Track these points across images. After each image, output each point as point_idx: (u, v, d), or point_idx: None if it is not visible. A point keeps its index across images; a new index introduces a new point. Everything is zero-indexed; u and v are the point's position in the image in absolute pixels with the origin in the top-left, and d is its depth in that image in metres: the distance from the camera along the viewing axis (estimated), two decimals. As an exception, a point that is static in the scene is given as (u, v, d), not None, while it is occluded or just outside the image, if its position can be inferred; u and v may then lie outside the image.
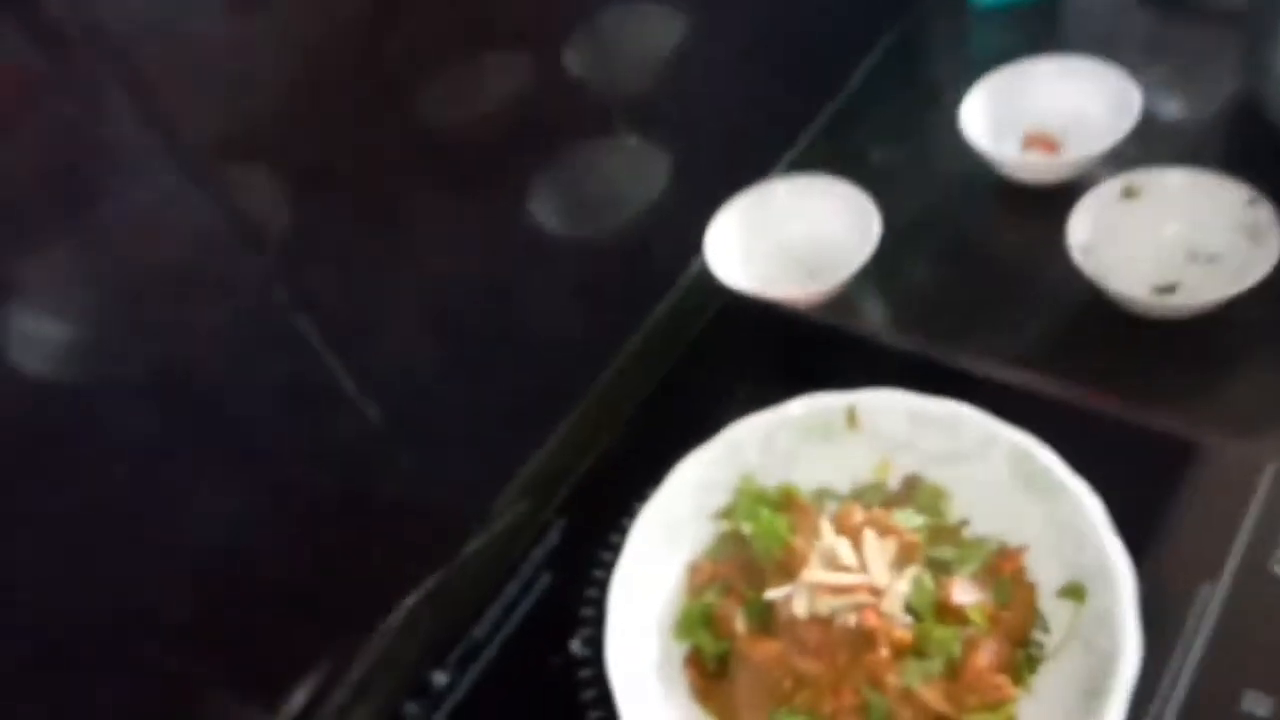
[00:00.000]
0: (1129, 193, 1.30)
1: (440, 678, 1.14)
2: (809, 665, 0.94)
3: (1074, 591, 0.95)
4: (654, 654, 1.01)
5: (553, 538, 1.22)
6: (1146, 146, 1.36)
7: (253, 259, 0.91)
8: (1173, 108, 1.49)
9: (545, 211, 1.27)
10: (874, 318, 1.38)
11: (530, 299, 1.29)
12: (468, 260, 1.20)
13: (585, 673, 1.09)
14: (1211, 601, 1.02)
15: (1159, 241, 1.28)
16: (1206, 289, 1.20)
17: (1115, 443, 1.07)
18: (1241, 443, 1.10)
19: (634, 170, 1.43)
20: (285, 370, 1.05)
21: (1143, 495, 1.00)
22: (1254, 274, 1.12)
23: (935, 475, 1.06)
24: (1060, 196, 1.29)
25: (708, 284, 1.40)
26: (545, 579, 1.19)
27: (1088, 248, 1.26)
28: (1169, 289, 1.23)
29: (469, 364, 1.26)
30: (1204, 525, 1.06)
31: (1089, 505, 0.96)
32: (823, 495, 1.09)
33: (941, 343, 1.25)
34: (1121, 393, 1.15)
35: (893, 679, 0.92)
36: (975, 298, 1.38)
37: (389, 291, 1.07)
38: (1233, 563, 1.03)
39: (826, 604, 0.95)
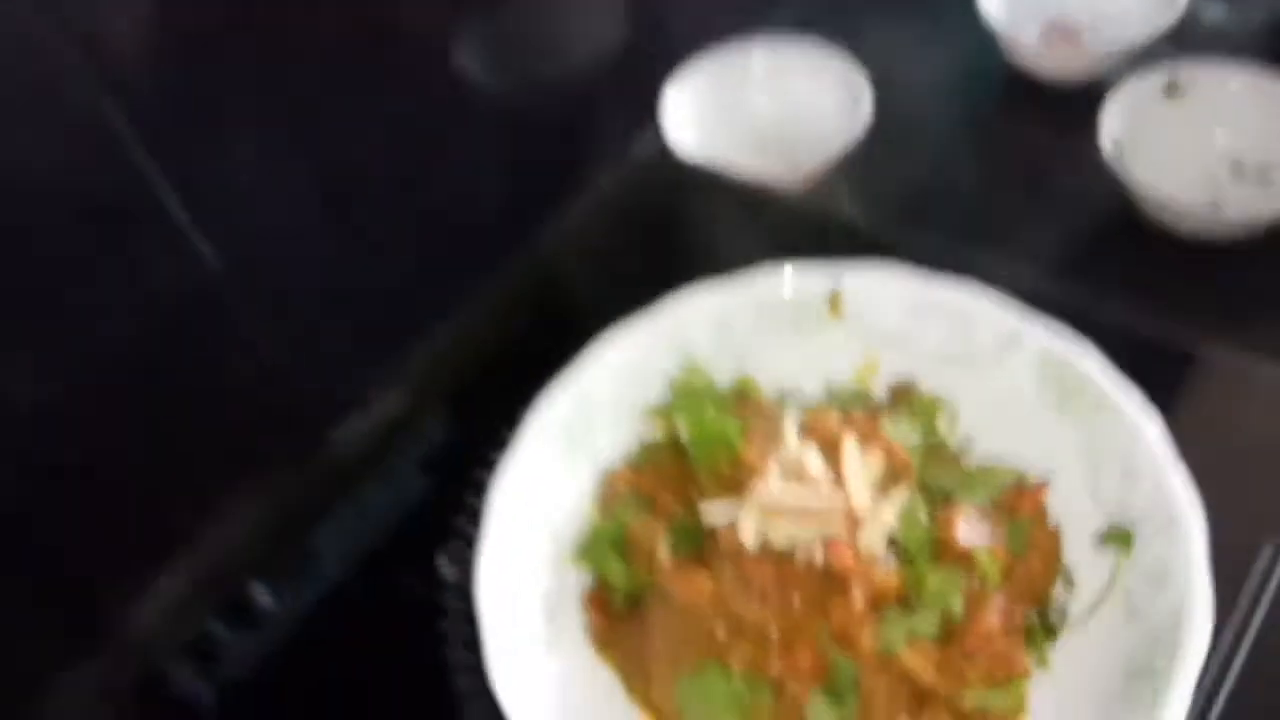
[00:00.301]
0: (1172, 90, 1.11)
1: (262, 595, 0.87)
2: (754, 611, 0.68)
3: (1117, 538, 0.71)
4: (543, 584, 0.75)
5: (433, 435, 0.96)
6: (1183, 49, 1.15)
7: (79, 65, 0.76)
8: (1217, 9, 1.28)
9: (469, 52, 1.04)
10: (859, 213, 1.13)
11: (442, 153, 1.05)
12: (363, 97, 0.95)
13: (452, 601, 0.83)
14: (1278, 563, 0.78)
15: (1203, 149, 1.14)
16: (1255, 207, 0.99)
17: (1157, 368, 0.82)
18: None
19: (579, 12, 1.17)
20: (100, 189, 0.81)
21: (1188, 432, 0.75)
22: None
23: (935, 383, 0.81)
24: (1082, 96, 1.16)
25: (661, 156, 1.16)
26: (418, 484, 0.93)
27: (1119, 147, 1.04)
28: (1210, 205, 1.01)
29: (352, 219, 1.00)
30: (1268, 472, 0.83)
31: (1146, 428, 0.72)
32: (787, 401, 0.84)
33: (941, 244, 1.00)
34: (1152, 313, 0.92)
35: (867, 637, 0.67)
36: (982, 199, 1.15)
37: (250, 120, 0.90)
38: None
39: (784, 531, 0.69)
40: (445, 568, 0.87)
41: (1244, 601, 0.77)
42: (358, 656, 0.84)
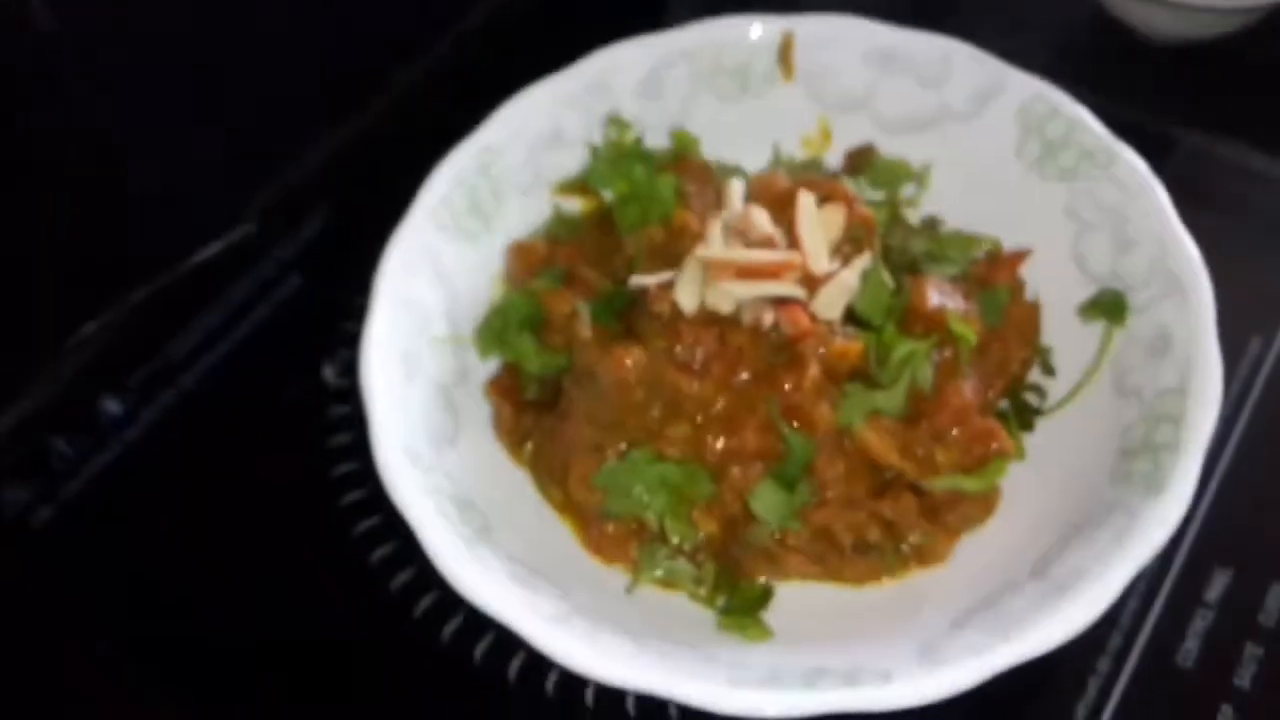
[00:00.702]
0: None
1: (111, 406, 0.73)
2: (692, 384, 0.57)
3: (1107, 307, 0.61)
4: (444, 374, 0.63)
5: (310, 227, 0.82)
6: None
7: None
8: None
9: None
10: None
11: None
12: None
13: (340, 409, 0.71)
14: (1265, 360, 0.70)
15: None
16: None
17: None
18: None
19: None
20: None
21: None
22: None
23: (899, 147, 0.70)
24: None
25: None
26: (293, 281, 0.80)
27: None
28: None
29: None
30: (1251, 264, 0.75)
31: (1146, 184, 0.62)
32: (725, 173, 0.72)
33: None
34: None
35: (823, 413, 0.56)
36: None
37: None
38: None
39: (729, 293, 0.58)
40: (332, 375, 0.75)
41: (1231, 397, 0.70)
42: (224, 475, 0.71)
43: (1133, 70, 0.97)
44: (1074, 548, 0.53)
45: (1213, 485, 0.66)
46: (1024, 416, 0.63)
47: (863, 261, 0.60)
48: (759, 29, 0.72)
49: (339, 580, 0.67)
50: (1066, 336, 0.63)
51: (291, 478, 0.71)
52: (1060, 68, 0.95)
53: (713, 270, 0.59)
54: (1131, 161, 0.63)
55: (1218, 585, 0.62)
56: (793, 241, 0.60)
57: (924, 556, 0.58)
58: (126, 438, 0.74)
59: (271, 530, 0.69)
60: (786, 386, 0.56)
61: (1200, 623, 0.61)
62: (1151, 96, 0.92)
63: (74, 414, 0.75)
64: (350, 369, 0.66)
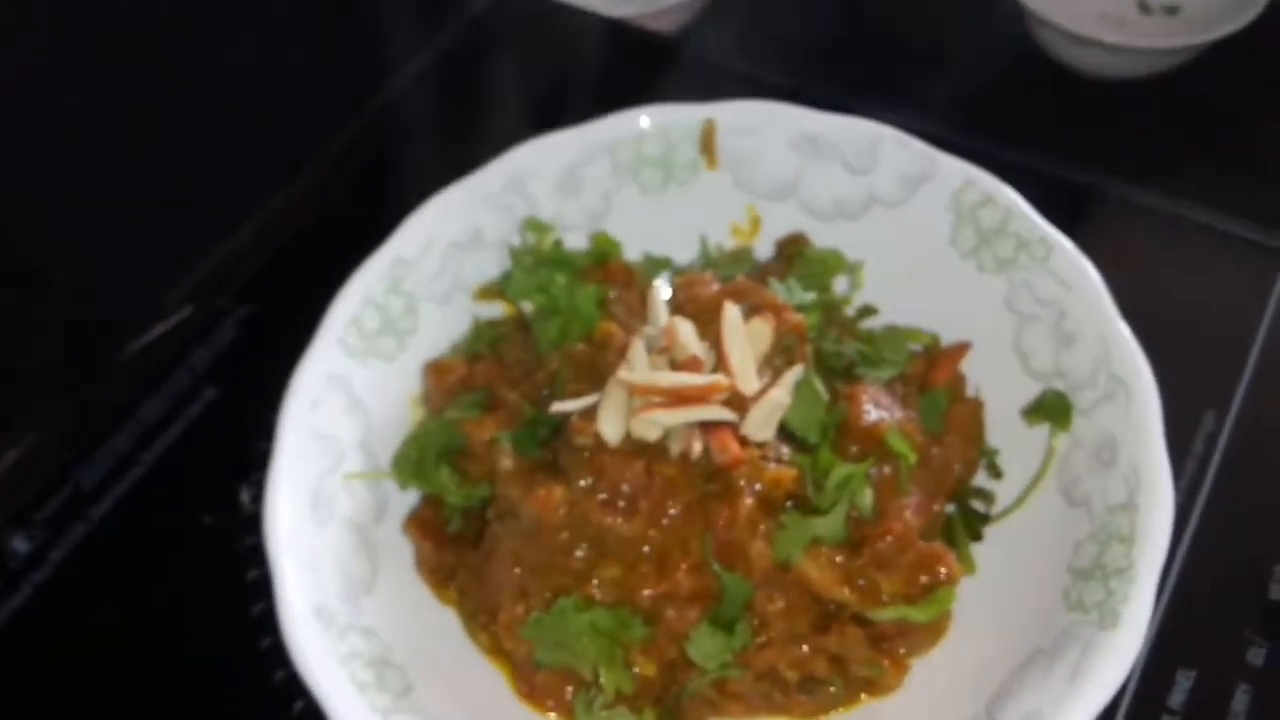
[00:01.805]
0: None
1: (19, 544, 0.70)
2: (619, 524, 0.54)
3: (1051, 409, 0.59)
4: (360, 513, 0.59)
5: (224, 334, 0.78)
6: None
7: None
8: None
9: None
10: (736, 55, 0.97)
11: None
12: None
13: (255, 539, 0.67)
14: (1220, 434, 0.68)
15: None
16: (1163, 39, 0.88)
17: (1071, 214, 0.70)
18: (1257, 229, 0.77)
19: None
20: None
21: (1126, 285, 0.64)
22: (1220, 29, 0.88)
23: (830, 235, 0.67)
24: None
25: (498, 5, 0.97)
26: (208, 394, 0.76)
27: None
28: (1115, 40, 0.90)
29: (136, 77, 0.79)
30: (1204, 333, 0.73)
31: (1083, 274, 0.59)
32: (653, 267, 0.69)
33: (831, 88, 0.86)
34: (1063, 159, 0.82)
35: (759, 548, 0.53)
36: (879, 42, 1.00)
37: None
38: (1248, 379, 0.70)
39: (655, 421, 0.55)
40: (246, 500, 0.71)
41: (1185, 478, 0.67)
42: (138, 617, 0.67)
43: (1066, 111, 0.96)
44: (1030, 682, 0.51)
45: (1171, 578, 0.63)
46: (972, 525, 0.60)
47: (794, 374, 0.57)
48: (679, 115, 0.69)
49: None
50: (1012, 436, 0.61)
51: (206, 619, 0.67)
52: (995, 109, 0.95)
53: (637, 396, 0.55)
54: (1067, 252, 0.60)
55: (1181, 689, 0.60)
56: (720, 358, 0.57)
57: (874, 688, 0.55)
58: (34, 579, 0.70)
59: (189, 678, 0.65)
60: (720, 521, 0.53)
61: (1165, 732, 0.59)
62: (1086, 141, 0.91)
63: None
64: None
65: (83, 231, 0.80)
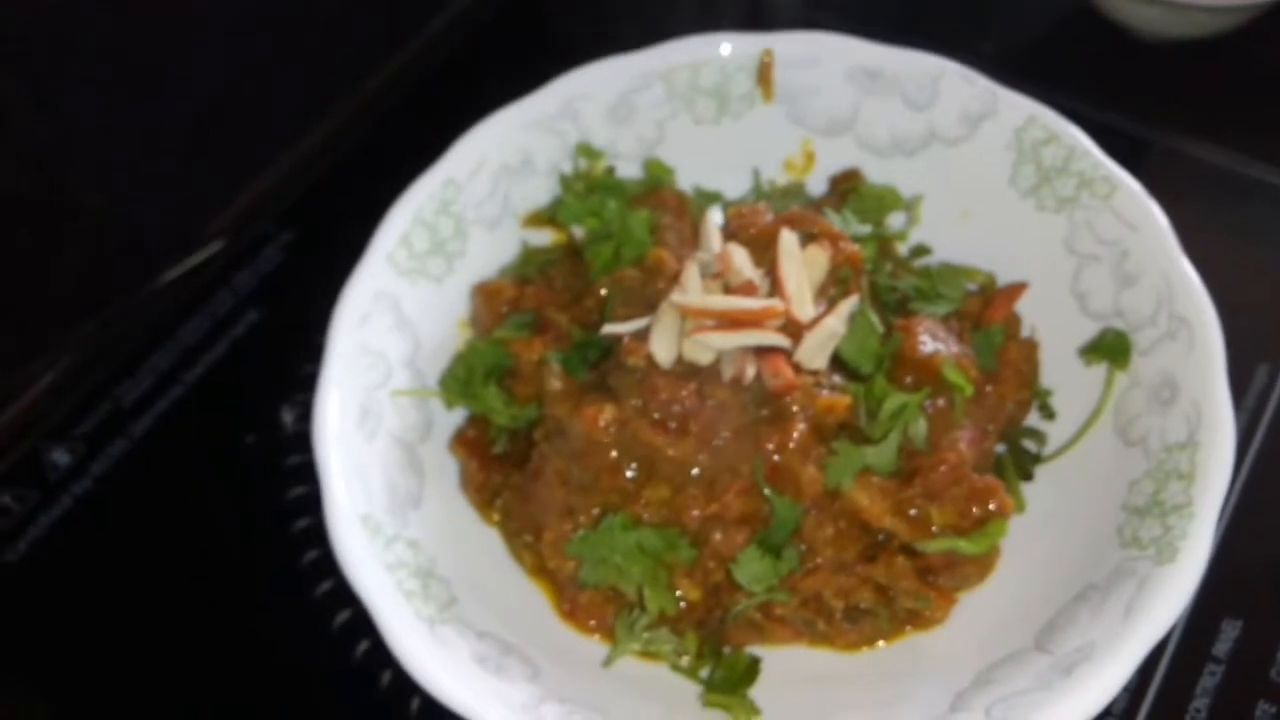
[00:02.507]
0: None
1: (59, 456, 0.70)
2: (669, 445, 0.54)
3: (1110, 348, 0.58)
4: (407, 430, 0.59)
5: (269, 258, 0.78)
6: None
7: None
8: None
9: None
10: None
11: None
12: None
13: (299, 457, 0.67)
14: (1274, 388, 0.67)
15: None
16: None
17: (1134, 168, 0.69)
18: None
19: None
20: None
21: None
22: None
23: (886, 172, 0.66)
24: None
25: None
26: (250, 317, 0.76)
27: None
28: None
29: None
30: (1259, 287, 0.72)
31: (1148, 214, 0.58)
32: (705, 200, 0.68)
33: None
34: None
35: (811, 473, 0.53)
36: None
37: None
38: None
39: (707, 344, 0.54)
40: (291, 420, 0.71)
41: (1237, 431, 0.66)
42: (177, 532, 0.68)
43: (1121, 69, 0.94)
44: (1081, 618, 0.50)
45: (1219, 530, 0.62)
46: (1023, 464, 0.59)
47: (849, 304, 0.56)
48: (736, 47, 0.68)
49: (300, 649, 0.63)
50: (1067, 378, 0.60)
51: (248, 535, 0.67)
52: (1048, 64, 0.93)
53: (690, 319, 0.55)
54: (1133, 190, 0.59)
55: (1227, 638, 0.59)
56: (775, 284, 0.57)
57: (920, 620, 0.55)
58: (75, 491, 0.71)
59: (229, 594, 0.66)
60: (770, 446, 0.53)
61: (1209, 679, 0.58)
62: (1141, 97, 0.89)
63: (18, 467, 0.71)
64: (309, 414, 0.62)
65: (120, 152, 0.80)
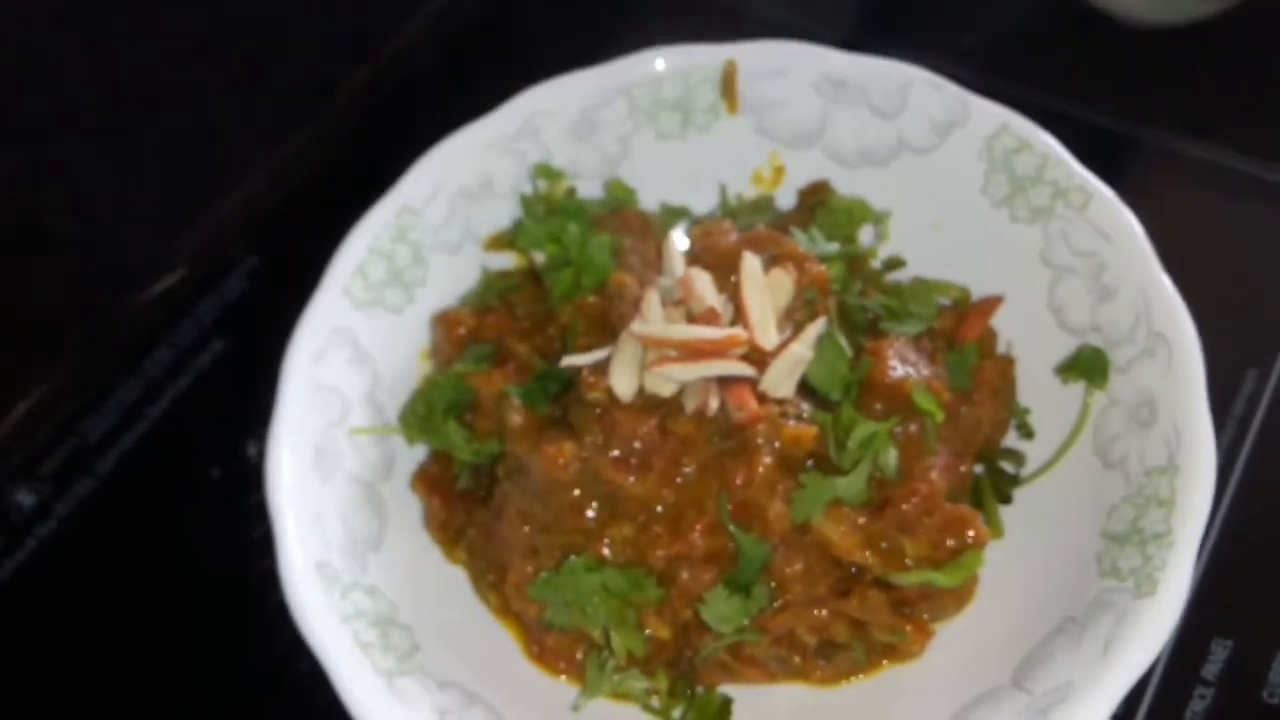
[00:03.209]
0: None
1: (24, 498, 0.68)
2: (631, 482, 0.52)
3: (1087, 366, 0.56)
4: (366, 469, 0.58)
5: (234, 285, 0.76)
6: None
7: None
8: None
9: None
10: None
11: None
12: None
13: (262, 495, 0.65)
14: (1263, 395, 0.65)
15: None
16: None
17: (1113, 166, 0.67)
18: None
19: None
20: None
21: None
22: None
23: (856, 184, 0.64)
24: None
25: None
26: (216, 346, 0.74)
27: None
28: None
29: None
30: (1246, 289, 0.70)
31: (1123, 225, 0.56)
32: (671, 217, 0.66)
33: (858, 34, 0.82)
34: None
35: (778, 508, 0.51)
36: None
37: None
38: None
39: (669, 376, 0.53)
40: (254, 453, 0.69)
41: (1225, 440, 0.64)
42: (144, 572, 0.66)
43: (1105, 57, 0.91)
44: (1059, 652, 0.48)
45: (1208, 544, 0.61)
46: (1001, 487, 0.57)
47: (816, 328, 0.54)
48: (698, 59, 0.66)
49: (266, 693, 0.62)
50: (1046, 395, 0.58)
51: (214, 578, 0.66)
52: (1030, 55, 0.91)
53: (651, 349, 0.53)
54: (1108, 200, 0.57)
55: (1217, 659, 0.57)
56: (738, 310, 0.55)
57: (897, 653, 0.53)
58: (40, 533, 0.69)
59: (195, 642, 0.64)
60: (737, 481, 0.51)
61: (1199, 703, 0.57)
62: (1125, 87, 0.87)
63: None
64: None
65: (84, 180, 0.78)
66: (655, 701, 0.54)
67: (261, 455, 0.67)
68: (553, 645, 0.54)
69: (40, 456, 0.71)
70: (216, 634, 0.64)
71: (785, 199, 0.67)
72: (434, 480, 0.58)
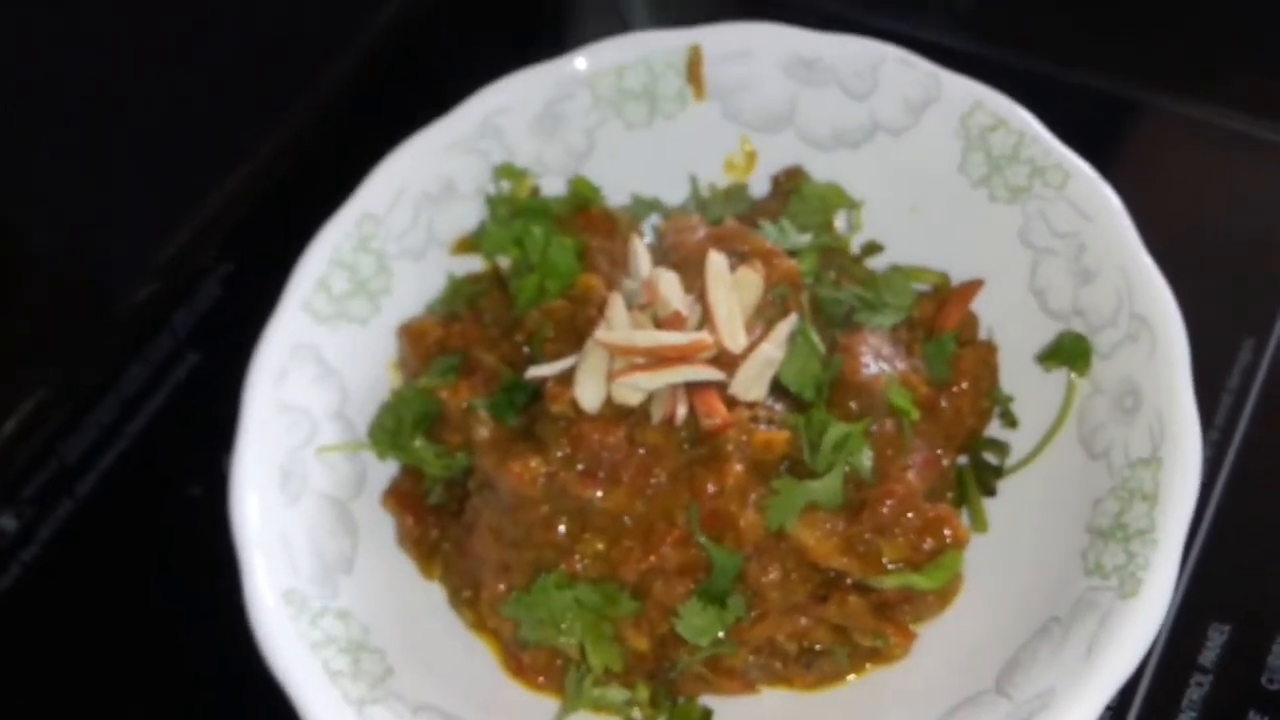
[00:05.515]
0: None
1: (7, 522, 0.68)
2: (599, 496, 0.51)
3: (1069, 352, 0.54)
4: (336, 487, 0.57)
5: (208, 294, 0.75)
6: None
7: None
8: None
9: None
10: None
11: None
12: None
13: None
14: (1260, 365, 0.63)
15: None
16: None
17: (1095, 131, 0.64)
18: None
19: None
20: None
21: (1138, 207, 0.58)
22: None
23: (831, 167, 0.62)
24: None
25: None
26: (192, 359, 0.73)
27: None
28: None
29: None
30: (1243, 255, 0.67)
31: (1103, 204, 0.54)
32: (642, 209, 0.64)
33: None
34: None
35: (750, 516, 0.50)
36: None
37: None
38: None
39: (635, 385, 0.51)
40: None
41: (1222, 412, 0.62)
42: (127, 592, 0.66)
43: (1093, 16, 0.88)
44: (1042, 655, 0.47)
45: (1203, 526, 0.59)
46: (984, 478, 0.56)
47: (787, 325, 0.53)
48: (661, 44, 0.63)
49: (253, 709, 0.61)
50: (1029, 382, 0.56)
51: (199, 593, 0.65)
52: (1010, 12, 0.87)
53: (617, 357, 0.52)
54: (1087, 179, 0.55)
55: (1214, 645, 0.56)
56: (705, 312, 0.53)
57: (879, 657, 0.52)
58: (23, 558, 0.69)
59: (182, 656, 0.64)
60: (708, 489, 0.50)
61: (1197, 690, 0.55)
62: (1111, 45, 0.83)
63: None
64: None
65: (57, 194, 0.77)
66: (636, 713, 0.53)
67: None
68: (531, 660, 0.53)
69: (21, 480, 0.71)
70: (202, 652, 0.63)
71: (760, 185, 0.65)
72: (406, 496, 0.57)
